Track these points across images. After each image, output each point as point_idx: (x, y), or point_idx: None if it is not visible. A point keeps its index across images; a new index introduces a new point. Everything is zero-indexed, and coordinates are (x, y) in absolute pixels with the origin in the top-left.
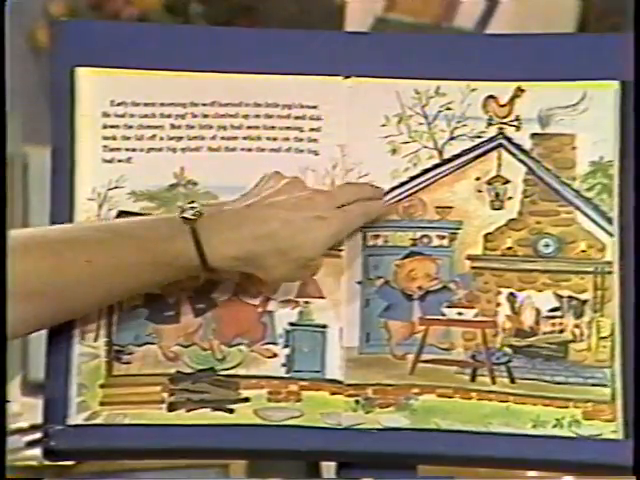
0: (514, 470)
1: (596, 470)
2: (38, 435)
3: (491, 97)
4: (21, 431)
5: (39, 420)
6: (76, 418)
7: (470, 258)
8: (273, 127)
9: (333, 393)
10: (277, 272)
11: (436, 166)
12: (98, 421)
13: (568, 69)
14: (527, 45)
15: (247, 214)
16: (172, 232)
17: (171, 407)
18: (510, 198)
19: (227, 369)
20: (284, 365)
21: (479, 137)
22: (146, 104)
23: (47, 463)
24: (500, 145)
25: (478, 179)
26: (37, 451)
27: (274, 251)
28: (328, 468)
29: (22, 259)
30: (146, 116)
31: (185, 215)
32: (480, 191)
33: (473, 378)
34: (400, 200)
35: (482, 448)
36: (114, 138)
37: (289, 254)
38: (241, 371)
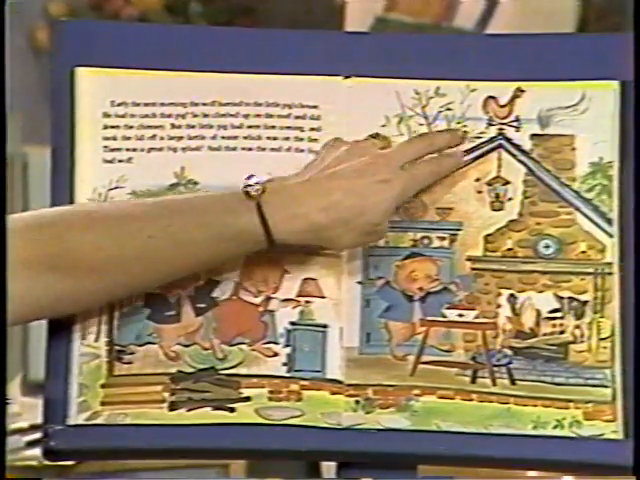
0: (514, 470)
1: (596, 470)
2: (38, 435)
3: (491, 98)
4: (21, 431)
5: (39, 420)
6: (76, 418)
7: (470, 259)
8: (273, 127)
9: (333, 393)
10: (343, 241)
11: None
12: (99, 421)
13: (568, 69)
14: (527, 45)
15: (310, 187)
16: (236, 207)
17: (172, 406)
18: (510, 199)
19: (228, 368)
20: (285, 364)
21: (479, 138)
22: (146, 104)
23: (47, 463)
24: (500, 146)
25: (478, 180)
26: (37, 451)
27: (339, 221)
28: (328, 468)
29: (83, 234)
30: (146, 116)
31: (248, 190)
32: (480, 192)
33: (474, 380)
34: None
35: (482, 448)
36: (114, 138)
37: (354, 222)
38: (242, 370)
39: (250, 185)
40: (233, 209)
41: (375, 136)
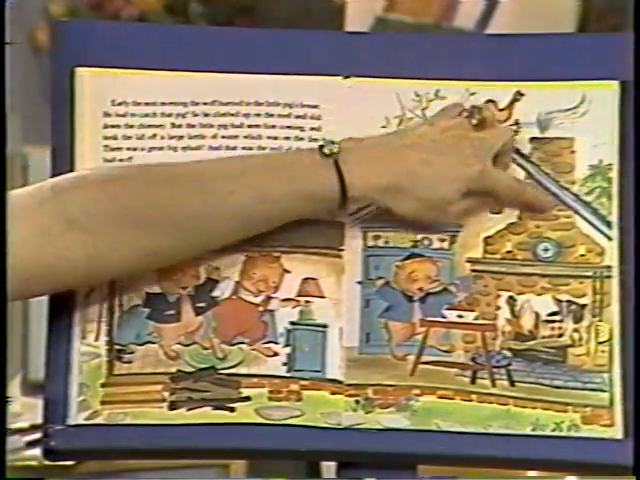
0: (514, 470)
1: (596, 470)
2: (38, 435)
3: (490, 101)
4: (21, 431)
5: (39, 420)
6: (76, 418)
7: (470, 261)
8: (274, 126)
9: (333, 393)
10: (412, 208)
11: None
12: (99, 421)
13: (568, 69)
14: (527, 45)
15: (386, 150)
16: (313, 163)
17: (172, 406)
18: None
19: (228, 368)
20: (285, 364)
21: None
22: (147, 103)
23: (47, 463)
24: None
25: None
26: (37, 451)
27: (411, 187)
28: (328, 468)
29: (165, 190)
30: (147, 115)
31: (325, 150)
32: None
33: (473, 380)
34: None
35: (482, 448)
36: (115, 138)
37: (426, 191)
38: (242, 370)
39: (326, 143)
40: (311, 166)
41: (471, 112)
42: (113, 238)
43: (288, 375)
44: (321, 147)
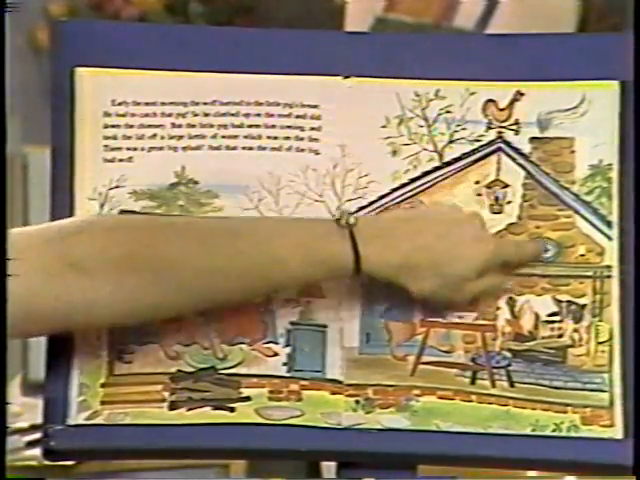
0: (514, 470)
1: (596, 470)
2: (38, 435)
3: (490, 101)
4: (21, 431)
5: (39, 420)
6: (77, 418)
7: None
8: (274, 126)
9: (333, 393)
10: (428, 285)
11: (436, 169)
12: (99, 421)
13: (568, 69)
14: (527, 45)
15: (403, 224)
16: (329, 232)
17: (172, 406)
18: (509, 202)
19: (228, 368)
20: (285, 364)
21: (478, 141)
22: (147, 103)
23: (47, 463)
24: (499, 149)
25: (477, 183)
26: (37, 451)
27: (427, 262)
28: (328, 468)
29: (174, 241)
30: (147, 115)
31: (342, 221)
32: (480, 195)
33: (473, 381)
34: (401, 202)
35: (482, 448)
36: (115, 137)
37: (442, 268)
38: (242, 370)
39: (343, 214)
40: (326, 234)
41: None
42: (114, 285)
43: (288, 375)
44: (338, 218)
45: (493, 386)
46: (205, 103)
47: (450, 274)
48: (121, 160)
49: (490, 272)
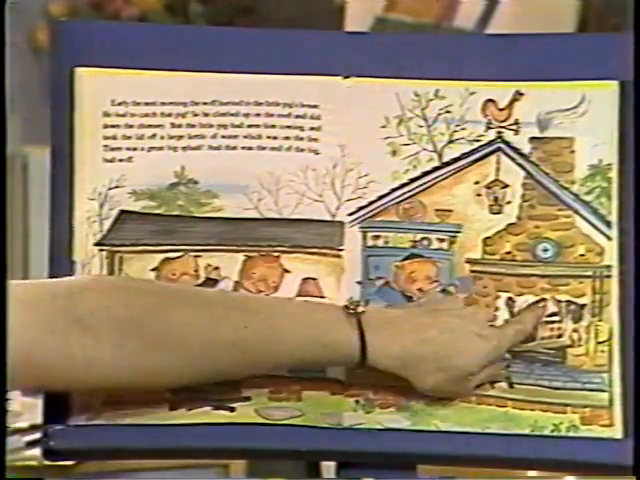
0: (514, 470)
1: (596, 470)
2: (38, 435)
3: (490, 101)
4: (21, 431)
5: (39, 420)
6: (77, 418)
7: (469, 262)
8: (274, 126)
9: (334, 393)
10: (431, 379)
11: (436, 169)
12: (99, 421)
13: (568, 69)
14: (527, 45)
15: (408, 317)
16: (336, 317)
17: (173, 406)
18: (509, 202)
19: None
20: None
21: (478, 141)
22: (147, 103)
23: (47, 463)
24: (499, 149)
25: (477, 183)
26: (37, 451)
27: (432, 356)
28: (328, 468)
29: (179, 309)
30: (147, 115)
31: (350, 307)
32: (479, 195)
33: None
34: (400, 202)
35: (482, 448)
36: (115, 137)
37: (445, 362)
38: None
39: (352, 302)
40: (334, 318)
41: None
42: (116, 346)
43: (288, 375)
44: (346, 305)
45: (492, 387)
46: (205, 103)
47: (453, 368)
48: (121, 160)
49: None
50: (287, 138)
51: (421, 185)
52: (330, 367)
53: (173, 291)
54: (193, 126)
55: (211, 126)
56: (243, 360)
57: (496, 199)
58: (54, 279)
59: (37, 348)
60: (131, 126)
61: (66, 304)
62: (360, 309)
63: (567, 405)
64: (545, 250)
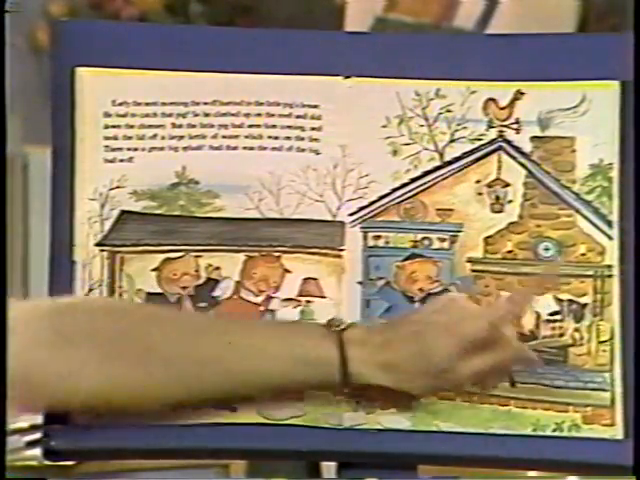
0: (514, 470)
1: (596, 470)
2: (38, 435)
3: (491, 100)
4: (21, 431)
5: (39, 420)
6: (77, 418)
7: (471, 261)
8: (274, 126)
9: (335, 393)
10: (417, 384)
11: (437, 168)
12: (99, 421)
13: (568, 69)
14: (527, 45)
15: (387, 330)
16: (318, 334)
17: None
18: (510, 201)
19: None
20: None
21: (479, 140)
22: (147, 103)
23: (47, 463)
24: (500, 148)
25: (478, 182)
26: (37, 451)
27: (409, 362)
28: (328, 468)
29: (162, 329)
30: (147, 115)
31: (331, 324)
32: (480, 194)
33: None
34: (401, 202)
35: (482, 448)
36: (115, 138)
37: (422, 364)
38: None
39: (334, 320)
40: (315, 336)
41: None
42: (99, 363)
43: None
44: (327, 324)
45: (494, 386)
46: (206, 103)
47: (431, 367)
48: (122, 160)
49: (479, 352)
50: (288, 138)
51: (422, 185)
52: (310, 383)
53: (157, 310)
54: (194, 126)
55: (212, 126)
56: (227, 377)
57: (497, 198)
58: (52, 299)
59: (24, 366)
60: (132, 126)
61: (56, 322)
62: (341, 326)
63: (569, 404)
64: (546, 249)
